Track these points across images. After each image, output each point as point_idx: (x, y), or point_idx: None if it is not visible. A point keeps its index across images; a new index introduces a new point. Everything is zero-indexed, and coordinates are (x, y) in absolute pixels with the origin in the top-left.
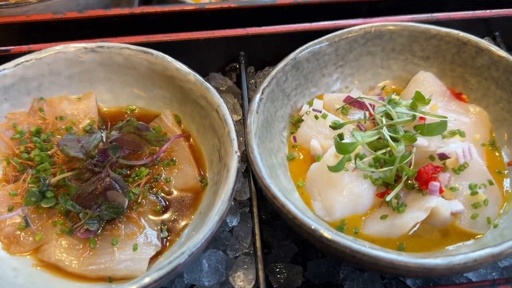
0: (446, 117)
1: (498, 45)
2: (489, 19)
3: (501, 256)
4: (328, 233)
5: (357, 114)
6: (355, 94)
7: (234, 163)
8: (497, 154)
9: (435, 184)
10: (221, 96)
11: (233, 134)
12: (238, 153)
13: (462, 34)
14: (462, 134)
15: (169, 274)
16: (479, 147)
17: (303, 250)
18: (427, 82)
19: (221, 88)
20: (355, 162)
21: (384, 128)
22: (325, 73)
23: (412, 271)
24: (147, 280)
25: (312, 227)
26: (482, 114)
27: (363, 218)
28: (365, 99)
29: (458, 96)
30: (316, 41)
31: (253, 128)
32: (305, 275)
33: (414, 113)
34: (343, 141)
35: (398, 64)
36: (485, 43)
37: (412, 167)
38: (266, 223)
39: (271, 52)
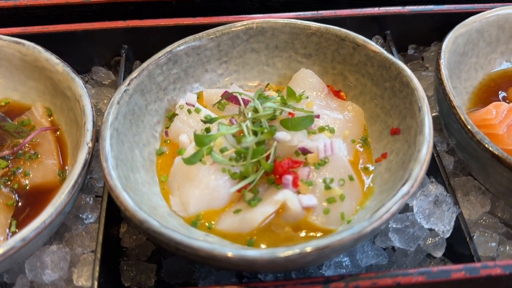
0: (312, 112)
1: (388, 44)
2: (378, 17)
3: (327, 249)
4: (154, 224)
5: (234, 110)
6: (234, 89)
7: (82, 154)
8: (368, 150)
9: (287, 178)
10: (102, 91)
11: (89, 125)
12: (90, 145)
13: (340, 30)
14: (332, 130)
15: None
16: (349, 144)
17: (161, 248)
18: (306, 79)
19: (104, 82)
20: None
21: (247, 121)
22: (208, 69)
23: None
24: None
25: (135, 213)
26: (357, 111)
27: (221, 214)
28: (238, 93)
29: (337, 93)
30: (196, 35)
31: (110, 118)
32: (160, 273)
33: (280, 108)
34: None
35: (283, 61)
36: (362, 38)
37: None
38: (124, 219)
39: (158, 46)
